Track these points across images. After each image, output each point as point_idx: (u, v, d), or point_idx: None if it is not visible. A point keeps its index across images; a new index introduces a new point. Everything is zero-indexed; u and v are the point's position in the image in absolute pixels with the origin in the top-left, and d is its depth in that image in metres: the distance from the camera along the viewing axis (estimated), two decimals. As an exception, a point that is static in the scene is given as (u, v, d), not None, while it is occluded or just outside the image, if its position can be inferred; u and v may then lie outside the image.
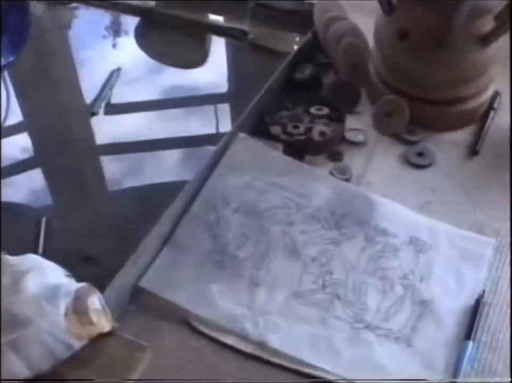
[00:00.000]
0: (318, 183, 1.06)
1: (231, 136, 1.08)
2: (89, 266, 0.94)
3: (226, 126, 1.18)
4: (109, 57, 1.31)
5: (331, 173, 1.08)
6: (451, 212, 1.05)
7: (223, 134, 1.09)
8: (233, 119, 1.19)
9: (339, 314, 0.93)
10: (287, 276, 0.96)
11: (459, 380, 0.85)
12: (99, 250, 0.96)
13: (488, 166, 1.11)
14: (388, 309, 0.93)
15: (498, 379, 0.85)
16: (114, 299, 0.89)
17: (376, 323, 0.92)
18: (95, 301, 0.83)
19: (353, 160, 1.12)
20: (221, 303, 0.93)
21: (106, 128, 1.16)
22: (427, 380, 0.86)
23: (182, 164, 1.13)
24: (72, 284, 0.84)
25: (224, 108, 1.26)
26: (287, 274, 0.96)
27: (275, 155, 1.09)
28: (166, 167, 1.11)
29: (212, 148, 1.05)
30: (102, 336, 0.82)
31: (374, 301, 0.94)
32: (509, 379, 0.81)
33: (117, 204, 1.03)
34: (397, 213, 1.03)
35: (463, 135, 1.16)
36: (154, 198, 1.03)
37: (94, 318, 0.81)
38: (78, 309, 0.81)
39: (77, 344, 0.80)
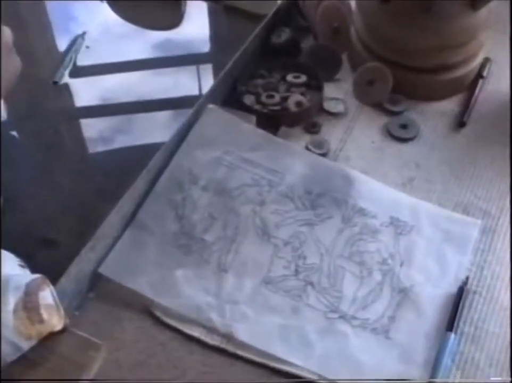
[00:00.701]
0: (292, 159, 0.98)
1: (200, 107, 0.99)
2: (48, 250, 0.86)
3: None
4: (81, 20, 1.21)
5: (307, 148, 1.00)
6: (435, 190, 0.97)
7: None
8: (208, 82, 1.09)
9: (312, 303, 0.86)
10: (257, 261, 0.89)
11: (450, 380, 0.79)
12: (59, 233, 0.88)
13: (475, 139, 1.03)
14: (365, 297, 0.86)
15: (499, 379, 0.79)
16: (70, 288, 0.82)
17: (352, 312, 0.85)
18: (47, 295, 0.75)
19: (331, 132, 1.03)
20: (186, 291, 0.86)
21: (71, 96, 1.06)
22: (410, 380, 0.79)
23: (152, 134, 1.03)
24: (24, 276, 0.76)
25: (200, 71, 1.16)
26: (257, 258, 0.89)
27: (248, 127, 1.00)
28: (135, 139, 1.01)
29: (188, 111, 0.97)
30: (53, 334, 0.74)
31: (351, 288, 0.87)
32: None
33: (78, 181, 0.94)
34: (378, 191, 0.95)
35: (450, 106, 1.07)
36: (118, 174, 0.94)
37: (45, 315, 0.73)
38: (28, 305, 0.73)
39: (26, 345, 0.72)
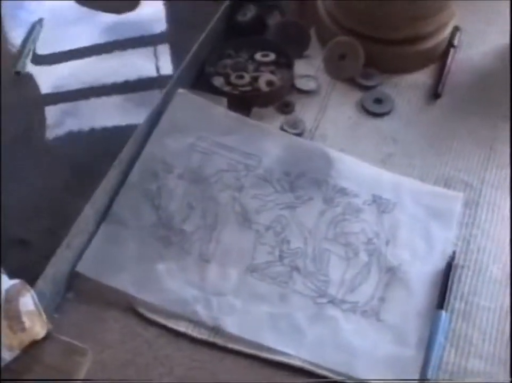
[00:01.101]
0: (268, 141, 0.94)
1: (170, 92, 0.94)
2: (21, 252, 0.81)
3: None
4: (34, 7, 1.14)
5: (281, 128, 0.96)
6: (414, 165, 0.94)
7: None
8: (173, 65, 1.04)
9: (300, 289, 0.83)
10: (240, 249, 0.85)
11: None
12: (31, 233, 0.82)
13: (451, 110, 1.00)
14: (353, 280, 0.83)
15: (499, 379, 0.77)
16: (48, 289, 0.78)
17: (341, 296, 0.82)
18: (27, 301, 0.70)
19: (305, 111, 0.99)
20: (169, 285, 0.82)
21: (34, 86, 1.00)
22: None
23: (118, 121, 0.97)
24: (2, 282, 0.71)
25: (162, 53, 1.11)
26: (240, 246, 0.85)
27: (220, 111, 0.95)
28: (102, 126, 0.95)
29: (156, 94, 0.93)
30: (36, 342, 0.70)
31: (338, 271, 0.84)
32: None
33: (47, 176, 0.88)
34: (357, 169, 0.92)
35: (422, 78, 1.04)
36: (89, 166, 0.88)
37: (27, 323, 0.68)
38: (9, 313, 0.68)
39: (8, 356, 0.68)
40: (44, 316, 0.70)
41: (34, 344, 0.69)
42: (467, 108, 1.00)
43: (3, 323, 0.67)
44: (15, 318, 0.68)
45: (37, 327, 0.69)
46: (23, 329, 0.68)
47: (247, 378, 0.77)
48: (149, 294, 0.81)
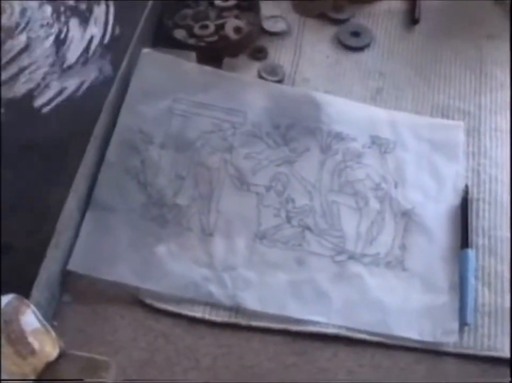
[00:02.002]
0: (250, 93, 0.83)
1: (133, 55, 0.81)
2: (5, 258, 0.68)
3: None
4: None
5: (260, 76, 0.85)
6: (406, 97, 0.85)
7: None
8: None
9: (315, 249, 0.74)
10: (243, 216, 0.76)
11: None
12: (13, 236, 0.69)
13: (432, 34, 0.91)
14: (369, 231, 0.76)
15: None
16: (43, 296, 0.67)
17: (360, 250, 0.74)
18: (30, 319, 0.58)
19: (280, 55, 0.89)
20: (174, 268, 0.72)
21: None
22: None
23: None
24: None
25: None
26: (242, 213, 0.76)
27: (192, 67, 0.84)
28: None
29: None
30: (51, 364, 0.59)
31: (351, 224, 0.76)
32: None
33: (17, 167, 0.75)
34: (349, 111, 0.83)
35: (396, 4, 0.94)
36: (61, 150, 0.76)
37: (35, 344, 0.57)
38: (12, 336, 0.56)
39: (24, 386, 0.56)
40: (53, 333, 0.59)
41: (50, 367, 0.58)
42: (448, 30, 0.91)
43: (8, 349, 0.56)
44: (20, 342, 0.56)
45: (48, 347, 0.58)
46: (33, 352, 0.57)
47: (280, 356, 0.68)
48: (154, 282, 0.71)
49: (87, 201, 0.74)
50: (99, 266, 0.71)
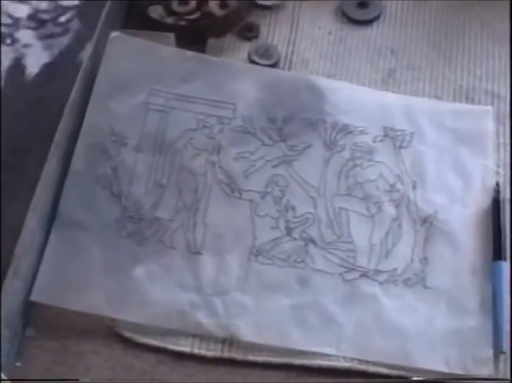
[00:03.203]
0: (239, 80, 0.79)
1: (100, 39, 0.78)
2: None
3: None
4: None
5: (250, 60, 0.82)
6: (424, 78, 0.82)
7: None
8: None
9: (321, 265, 0.71)
10: (235, 229, 0.73)
11: None
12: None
13: (453, 1, 0.86)
14: (384, 242, 0.72)
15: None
16: (4, 335, 0.64)
17: (374, 265, 0.71)
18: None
19: (274, 33, 0.85)
20: (156, 293, 0.69)
21: None
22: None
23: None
24: None
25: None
26: (234, 225, 0.73)
27: (170, 52, 0.80)
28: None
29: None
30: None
31: (363, 234, 0.73)
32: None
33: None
34: (357, 98, 0.79)
35: (407, -34, 0.91)
36: (17, 160, 0.73)
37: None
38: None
39: None
40: None
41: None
42: (469, -5, 0.87)
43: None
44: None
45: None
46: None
47: (284, 394, 0.66)
48: (132, 311, 0.68)
49: (51, 219, 0.71)
50: (68, 295, 0.68)
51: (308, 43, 0.85)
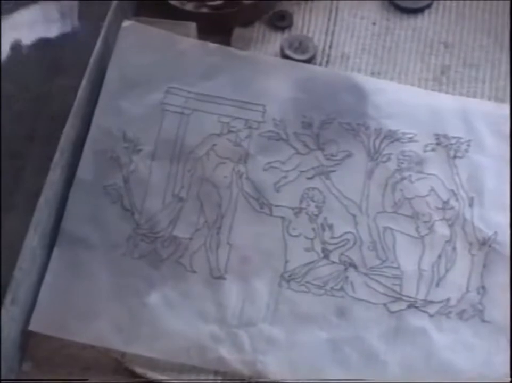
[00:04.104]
0: (269, 78, 0.81)
1: (110, 30, 0.79)
2: None
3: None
4: None
5: (283, 55, 0.83)
6: (484, 78, 0.84)
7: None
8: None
9: (363, 294, 0.73)
10: (264, 250, 0.74)
11: None
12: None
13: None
14: (435, 267, 0.74)
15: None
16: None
17: (423, 295, 0.73)
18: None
19: (310, 23, 0.87)
20: (172, 324, 0.71)
21: None
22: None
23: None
24: None
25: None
26: (263, 246, 0.74)
27: (189, 44, 0.81)
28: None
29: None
30: None
31: (411, 258, 0.74)
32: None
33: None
34: (405, 99, 0.81)
35: None
36: (15, 169, 0.74)
37: None
38: None
39: None
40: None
41: None
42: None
43: None
44: None
45: None
46: None
47: None
48: (145, 344, 0.70)
49: (54, 236, 0.73)
50: (71, 325, 0.70)
51: (348, 35, 0.86)
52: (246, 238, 0.74)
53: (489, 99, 0.82)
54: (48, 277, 0.71)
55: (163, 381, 0.68)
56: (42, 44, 0.79)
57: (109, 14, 0.79)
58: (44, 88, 0.76)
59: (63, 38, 0.79)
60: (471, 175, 0.77)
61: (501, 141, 0.79)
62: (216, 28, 0.84)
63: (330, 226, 0.75)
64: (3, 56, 0.77)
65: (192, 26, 0.82)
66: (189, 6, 0.85)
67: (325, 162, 0.77)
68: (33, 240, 0.69)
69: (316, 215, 0.75)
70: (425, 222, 0.75)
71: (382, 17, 0.87)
